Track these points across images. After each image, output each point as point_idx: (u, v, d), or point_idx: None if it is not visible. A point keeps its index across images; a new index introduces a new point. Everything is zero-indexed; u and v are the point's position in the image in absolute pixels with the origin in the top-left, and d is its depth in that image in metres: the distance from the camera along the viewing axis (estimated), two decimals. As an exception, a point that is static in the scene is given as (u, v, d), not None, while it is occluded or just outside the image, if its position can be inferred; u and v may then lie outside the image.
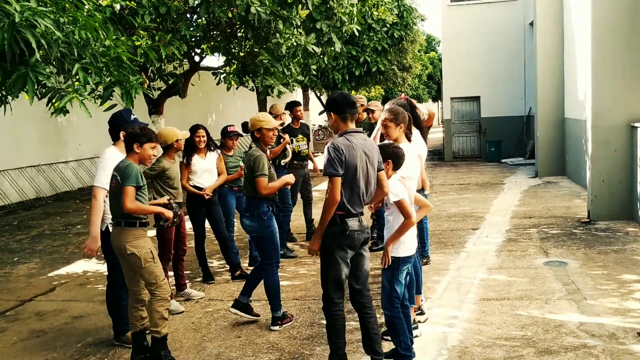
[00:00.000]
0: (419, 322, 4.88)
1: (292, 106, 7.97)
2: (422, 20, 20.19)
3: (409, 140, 4.72)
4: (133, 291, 4.48)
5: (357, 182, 3.87)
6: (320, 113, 20.55)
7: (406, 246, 4.14)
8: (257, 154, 4.95)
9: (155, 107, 10.69)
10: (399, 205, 4.06)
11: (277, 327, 5.04)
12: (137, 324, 4.49)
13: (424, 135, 5.41)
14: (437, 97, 46.33)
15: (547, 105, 13.77)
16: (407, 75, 23.50)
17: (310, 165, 8.34)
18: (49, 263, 7.91)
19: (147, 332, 4.50)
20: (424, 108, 5.77)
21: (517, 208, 10.05)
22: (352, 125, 4.01)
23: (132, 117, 4.88)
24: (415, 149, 4.73)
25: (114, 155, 4.70)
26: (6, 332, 5.40)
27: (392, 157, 4.18)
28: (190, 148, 6.33)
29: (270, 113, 7.56)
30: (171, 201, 4.74)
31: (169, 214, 4.55)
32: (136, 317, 4.49)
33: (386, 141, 4.51)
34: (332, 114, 4.03)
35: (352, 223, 3.91)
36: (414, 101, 5.68)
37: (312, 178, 8.58)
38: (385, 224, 4.25)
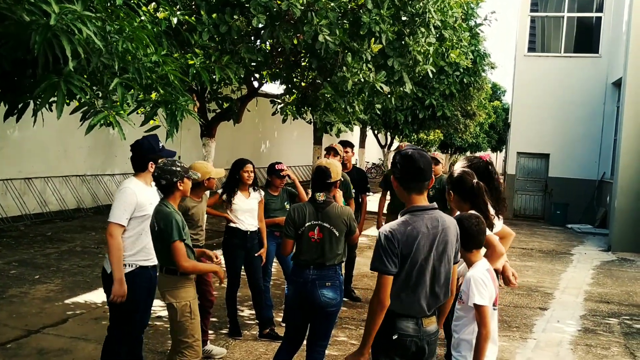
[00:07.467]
0: None
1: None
2: (492, 68, 19.24)
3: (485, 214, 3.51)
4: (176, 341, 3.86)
5: (417, 281, 2.85)
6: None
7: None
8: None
9: (208, 130, 10.12)
10: (478, 310, 3.10)
11: None
12: None
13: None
14: (496, 147, 44.89)
15: (630, 172, 12.53)
16: (470, 122, 22.50)
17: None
18: (69, 287, 7.27)
19: None
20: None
21: (590, 288, 8.88)
22: (422, 199, 2.91)
23: (160, 144, 4.23)
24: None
25: (138, 187, 4.02)
26: (-2, 373, 4.73)
27: (462, 232, 3.11)
28: (234, 184, 5.60)
29: (332, 150, 6.67)
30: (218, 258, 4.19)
31: (222, 273, 3.96)
32: None
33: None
34: (393, 177, 2.99)
35: (404, 325, 2.88)
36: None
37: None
38: (454, 320, 3.34)
